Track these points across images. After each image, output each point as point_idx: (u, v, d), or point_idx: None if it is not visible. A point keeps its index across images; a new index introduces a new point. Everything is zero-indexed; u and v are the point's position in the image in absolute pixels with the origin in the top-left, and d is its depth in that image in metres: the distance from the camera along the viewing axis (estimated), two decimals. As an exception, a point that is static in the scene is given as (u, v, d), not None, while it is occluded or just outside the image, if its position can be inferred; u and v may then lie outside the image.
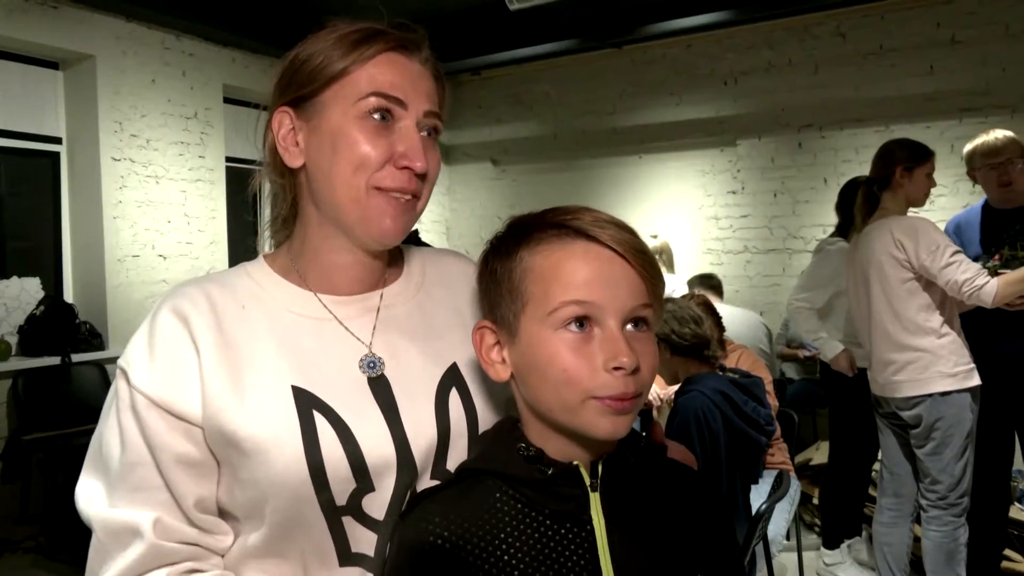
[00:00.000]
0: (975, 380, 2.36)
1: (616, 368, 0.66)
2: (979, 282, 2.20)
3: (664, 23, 4.45)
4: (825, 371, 3.04)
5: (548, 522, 0.70)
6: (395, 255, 0.88)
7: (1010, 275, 2.24)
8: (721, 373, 2.10)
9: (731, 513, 0.83)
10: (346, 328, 0.79)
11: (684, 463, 0.83)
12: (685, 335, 2.08)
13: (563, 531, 0.70)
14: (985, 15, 4.07)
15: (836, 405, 3.04)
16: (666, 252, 4.08)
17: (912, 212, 2.53)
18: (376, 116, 0.74)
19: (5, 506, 3.55)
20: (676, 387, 2.32)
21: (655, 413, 2.58)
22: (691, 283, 3.96)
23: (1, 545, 3.31)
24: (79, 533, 0.75)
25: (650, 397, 2.49)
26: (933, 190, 2.63)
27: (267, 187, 0.85)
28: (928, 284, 2.35)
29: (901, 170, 2.44)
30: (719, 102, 4.90)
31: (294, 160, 0.78)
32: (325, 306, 0.79)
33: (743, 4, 4.19)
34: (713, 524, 0.77)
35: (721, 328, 2.51)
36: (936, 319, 2.36)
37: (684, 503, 0.76)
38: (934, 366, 2.34)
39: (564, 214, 0.71)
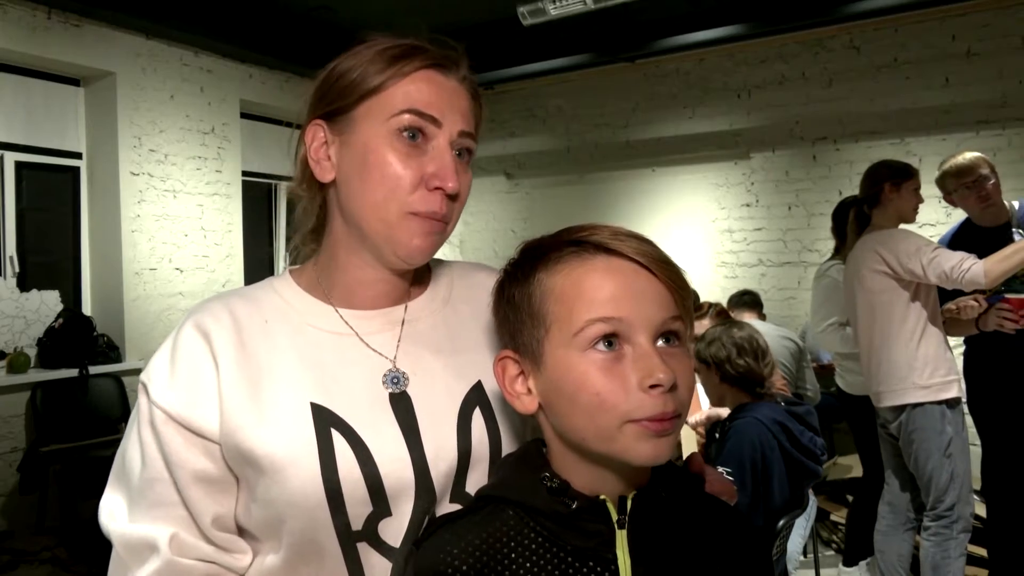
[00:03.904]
0: (951, 392, 2.37)
1: (653, 386, 0.61)
2: (966, 265, 2.22)
3: (677, 37, 4.47)
4: (841, 391, 3.03)
5: (570, 559, 0.66)
6: (422, 268, 0.85)
7: (999, 252, 2.24)
8: (778, 404, 2.02)
9: (770, 557, 0.79)
10: (366, 343, 0.78)
11: (723, 495, 0.79)
12: (739, 366, 1.98)
13: (585, 570, 0.65)
14: (1000, 27, 4.05)
15: (853, 424, 3.03)
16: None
17: (906, 227, 2.53)
18: (407, 135, 0.73)
19: (22, 517, 3.58)
20: (712, 411, 2.30)
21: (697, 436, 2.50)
22: (730, 303, 3.92)
23: (18, 556, 3.33)
24: (96, 545, 0.76)
25: (689, 420, 2.39)
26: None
27: (284, 203, 0.85)
28: (911, 297, 2.38)
29: (889, 186, 2.49)
30: (732, 115, 4.89)
31: (325, 174, 0.77)
32: (345, 321, 0.78)
33: (755, 18, 4.21)
34: (750, 569, 0.72)
35: None
36: (914, 331, 2.38)
37: (719, 544, 0.70)
38: (909, 378, 2.37)
39: (580, 231, 0.67)
